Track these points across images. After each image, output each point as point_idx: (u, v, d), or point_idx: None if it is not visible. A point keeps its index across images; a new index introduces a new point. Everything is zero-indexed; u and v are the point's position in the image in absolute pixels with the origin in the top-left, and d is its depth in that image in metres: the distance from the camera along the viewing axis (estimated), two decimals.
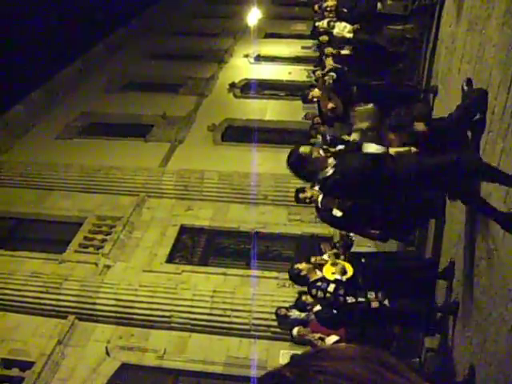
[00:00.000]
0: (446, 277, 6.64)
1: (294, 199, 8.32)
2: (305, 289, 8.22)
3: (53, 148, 16.17)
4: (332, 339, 6.74)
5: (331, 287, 6.29)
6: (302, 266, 6.99)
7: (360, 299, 6.17)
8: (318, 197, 7.32)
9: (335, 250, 7.89)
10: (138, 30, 24.87)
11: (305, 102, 8.97)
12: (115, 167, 14.84)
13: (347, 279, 6.66)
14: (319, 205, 7.48)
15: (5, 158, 15.85)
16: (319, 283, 6.48)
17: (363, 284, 6.52)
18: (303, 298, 7.41)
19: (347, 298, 6.15)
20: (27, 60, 19.29)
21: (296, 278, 7.17)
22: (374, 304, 6.05)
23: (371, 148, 4.88)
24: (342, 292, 6.20)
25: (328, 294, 6.25)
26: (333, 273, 6.75)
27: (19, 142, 16.67)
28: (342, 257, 7.48)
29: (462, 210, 6.18)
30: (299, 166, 4.69)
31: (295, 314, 7.94)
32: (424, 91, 9.32)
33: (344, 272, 6.74)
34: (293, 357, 0.92)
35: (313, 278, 6.80)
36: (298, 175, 4.84)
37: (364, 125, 6.22)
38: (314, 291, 6.66)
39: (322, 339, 6.86)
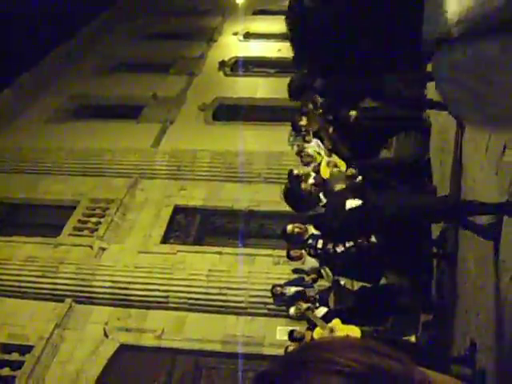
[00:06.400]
0: (438, 244, 6.69)
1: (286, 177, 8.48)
2: (299, 266, 8.32)
3: (44, 132, 16.07)
4: (321, 311, 6.80)
5: (320, 243, 6.34)
6: (296, 225, 7.01)
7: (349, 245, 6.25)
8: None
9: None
10: (127, 10, 24.59)
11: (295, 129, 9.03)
12: (107, 149, 14.78)
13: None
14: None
15: None
16: (310, 241, 6.52)
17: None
18: (307, 278, 7.59)
19: (336, 248, 6.20)
20: (14, 44, 19.06)
21: (289, 236, 7.21)
22: (363, 240, 6.09)
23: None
24: (330, 246, 6.25)
25: (318, 251, 6.32)
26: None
27: (9, 128, 16.55)
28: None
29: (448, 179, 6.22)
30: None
31: (291, 291, 8.00)
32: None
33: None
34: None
35: (306, 236, 6.82)
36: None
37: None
38: (306, 250, 6.80)
39: (312, 310, 6.93)
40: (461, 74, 1.34)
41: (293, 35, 3.78)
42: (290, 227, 6.93)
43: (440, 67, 1.43)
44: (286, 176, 8.59)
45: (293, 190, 6.32)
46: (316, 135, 8.61)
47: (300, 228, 6.82)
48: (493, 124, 1.53)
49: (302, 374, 0.84)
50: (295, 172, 8.18)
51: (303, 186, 6.39)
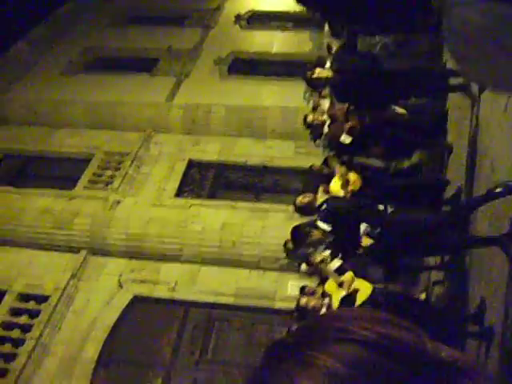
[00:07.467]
0: (452, 203, 6.66)
1: (301, 130, 8.45)
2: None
3: (57, 84, 15.98)
4: (335, 264, 6.80)
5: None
6: (306, 195, 6.98)
7: None
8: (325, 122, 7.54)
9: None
10: None
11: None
12: (121, 102, 14.71)
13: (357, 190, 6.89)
14: (326, 129, 7.62)
15: (9, 96, 15.72)
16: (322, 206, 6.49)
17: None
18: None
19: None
20: None
21: (300, 208, 7.21)
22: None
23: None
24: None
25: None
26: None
27: (23, 80, 16.50)
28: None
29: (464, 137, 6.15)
30: None
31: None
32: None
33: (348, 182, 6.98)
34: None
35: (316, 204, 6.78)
36: None
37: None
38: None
39: (325, 262, 6.93)
40: (472, 32, 1.28)
41: None
42: (299, 200, 6.92)
43: (451, 21, 1.35)
44: (302, 127, 8.54)
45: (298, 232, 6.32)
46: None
47: (309, 197, 6.82)
48: (498, 86, 1.50)
49: (313, 343, 0.85)
50: (309, 118, 8.14)
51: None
